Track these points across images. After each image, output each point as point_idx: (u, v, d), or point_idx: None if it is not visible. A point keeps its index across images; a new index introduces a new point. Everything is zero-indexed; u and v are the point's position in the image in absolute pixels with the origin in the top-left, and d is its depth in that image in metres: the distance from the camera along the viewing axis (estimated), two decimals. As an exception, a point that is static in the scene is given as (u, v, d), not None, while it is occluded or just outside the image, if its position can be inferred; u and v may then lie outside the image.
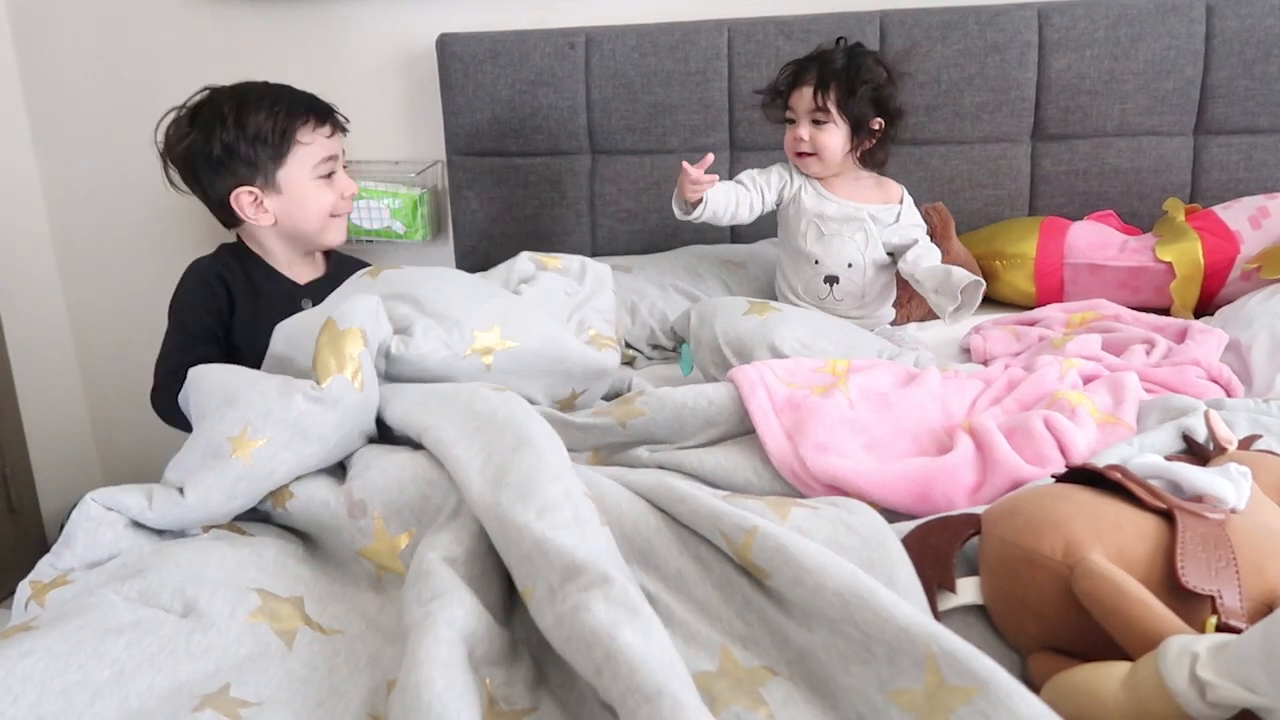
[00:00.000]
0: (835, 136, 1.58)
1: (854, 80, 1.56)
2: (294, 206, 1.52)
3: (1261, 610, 0.71)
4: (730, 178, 1.67)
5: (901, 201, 1.65)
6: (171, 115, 1.52)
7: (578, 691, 0.75)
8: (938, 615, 0.78)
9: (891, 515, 0.96)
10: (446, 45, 2.03)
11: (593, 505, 0.85)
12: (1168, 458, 0.98)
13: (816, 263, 1.63)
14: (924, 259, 1.57)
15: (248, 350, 1.49)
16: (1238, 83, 1.89)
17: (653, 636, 0.70)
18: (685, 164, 1.57)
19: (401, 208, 2.09)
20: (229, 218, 1.55)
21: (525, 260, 1.44)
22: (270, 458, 0.98)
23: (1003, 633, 0.79)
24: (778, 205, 1.67)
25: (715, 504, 0.85)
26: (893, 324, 1.71)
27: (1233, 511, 0.79)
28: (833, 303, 1.63)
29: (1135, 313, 1.58)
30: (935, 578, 0.80)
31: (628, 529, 0.87)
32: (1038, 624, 0.76)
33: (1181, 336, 1.43)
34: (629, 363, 1.65)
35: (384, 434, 1.12)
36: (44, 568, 0.94)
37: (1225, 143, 1.93)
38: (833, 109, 1.56)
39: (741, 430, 1.14)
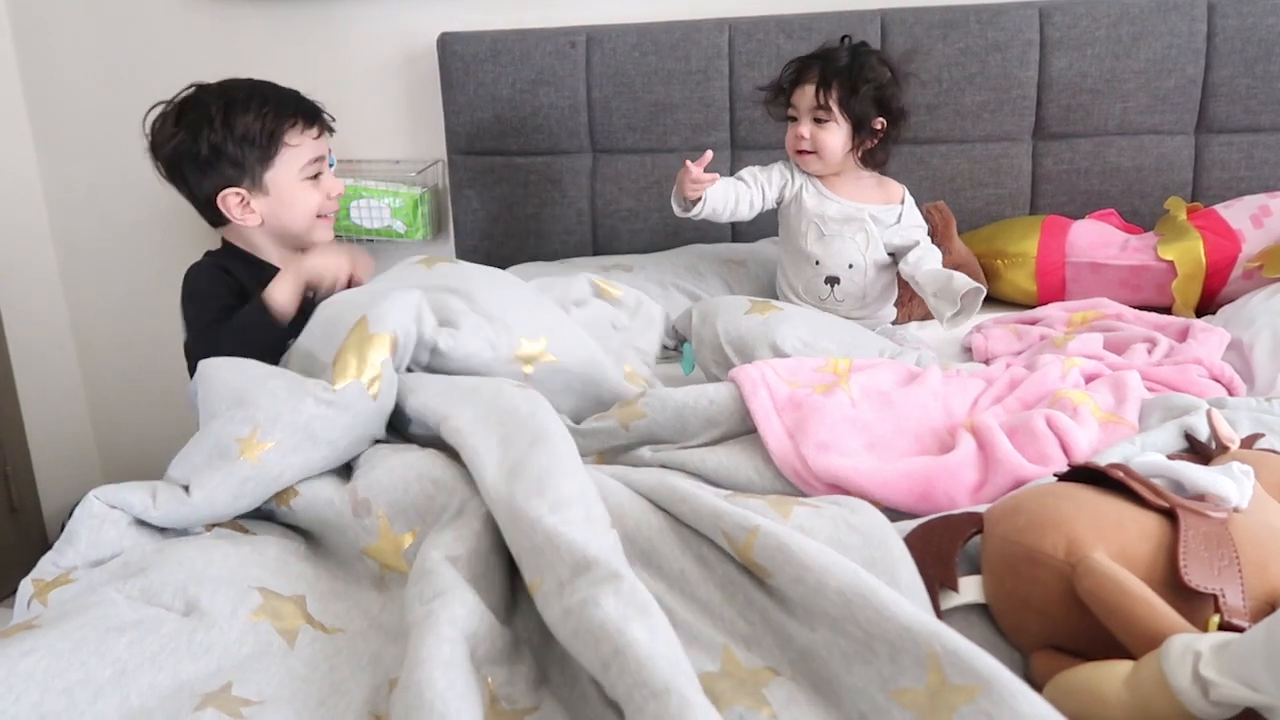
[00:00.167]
0: (836, 135, 1.58)
1: (857, 79, 1.55)
2: (281, 208, 1.50)
3: (1264, 609, 0.71)
4: (730, 177, 1.67)
5: (903, 202, 1.65)
6: (158, 110, 1.50)
7: (579, 690, 0.75)
8: (940, 614, 0.78)
9: (893, 514, 0.95)
10: (447, 44, 2.03)
11: (604, 508, 0.85)
12: (1170, 456, 0.98)
13: (817, 263, 1.63)
14: (925, 260, 1.57)
15: None
16: (1239, 81, 1.89)
17: (661, 634, 0.70)
18: (688, 162, 1.57)
19: (402, 207, 2.09)
20: (215, 216, 1.53)
21: (584, 282, 1.44)
22: (278, 461, 0.98)
23: (1005, 631, 0.79)
24: (778, 204, 1.67)
25: (717, 503, 0.85)
26: (894, 323, 1.71)
27: (1235, 510, 0.79)
28: (833, 303, 1.63)
29: (1137, 311, 1.58)
30: (937, 576, 0.80)
31: (630, 529, 0.87)
32: (1040, 623, 0.76)
33: (1183, 335, 1.43)
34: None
35: (396, 427, 1.11)
36: (46, 566, 0.94)
37: (1227, 141, 1.93)
38: (834, 107, 1.56)
39: (743, 429, 1.14)
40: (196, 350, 1.44)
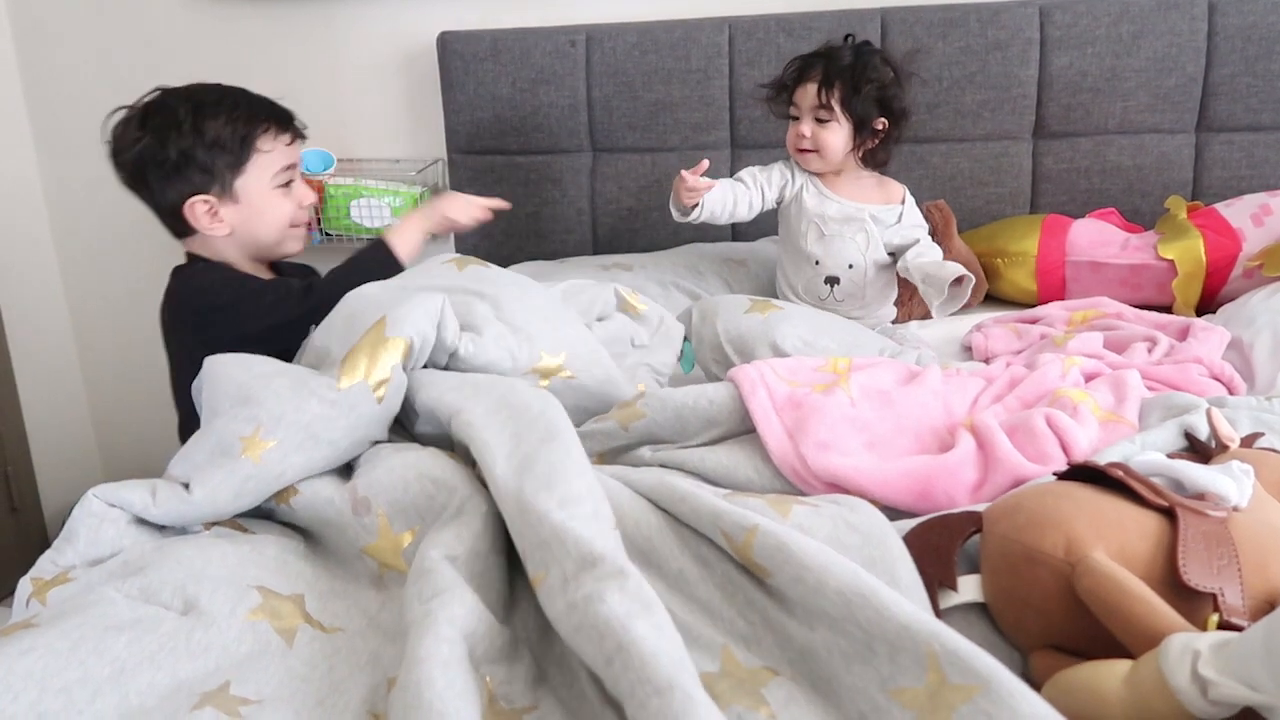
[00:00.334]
0: (837, 134, 1.58)
1: (859, 79, 1.55)
2: (252, 216, 1.44)
3: (1263, 608, 0.71)
4: (730, 176, 1.67)
5: (903, 202, 1.65)
6: (120, 114, 1.43)
7: (578, 689, 0.75)
8: (939, 613, 0.78)
9: (893, 513, 0.95)
10: (447, 43, 2.03)
11: (610, 508, 0.85)
12: (1170, 455, 0.97)
13: (817, 263, 1.63)
14: (924, 258, 1.57)
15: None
16: (1240, 80, 1.89)
17: (665, 631, 0.70)
18: (684, 172, 1.56)
19: (402, 206, 2.09)
20: (180, 226, 1.45)
21: (610, 293, 1.42)
22: (280, 460, 0.98)
23: (1004, 631, 0.79)
24: (778, 204, 1.67)
25: (716, 502, 0.85)
26: (894, 322, 1.71)
27: (1235, 509, 0.79)
28: (833, 303, 1.63)
29: (1137, 310, 1.58)
30: (937, 576, 0.80)
31: (629, 529, 0.87)
32: (1039, 622, 0.76)
33: (1183, 334, 1.43)
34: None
35: (404, 424, 1.11)
36: (45, 564, 0.94)
37: (1227, 140, 1.93)
38: (836, 107, 1.56)
39: (743, 429, 1.14)
40: (308, 312, 1.32)
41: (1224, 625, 0.69)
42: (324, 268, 2.33)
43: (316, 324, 1.20)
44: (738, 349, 1.37)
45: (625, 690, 0.66)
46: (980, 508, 0.89)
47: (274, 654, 0.83)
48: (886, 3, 1.97)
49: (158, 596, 0.86)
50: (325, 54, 2.18)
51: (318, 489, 1.00)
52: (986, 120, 1.96)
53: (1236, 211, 1.75)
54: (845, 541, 0.84)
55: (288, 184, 1.47)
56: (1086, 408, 1.12)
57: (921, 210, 1.70)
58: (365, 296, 1.16)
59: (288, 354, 1.18)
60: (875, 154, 1.62)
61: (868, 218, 1.61)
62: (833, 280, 1.62)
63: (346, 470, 1.05)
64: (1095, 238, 1.80)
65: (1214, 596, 0.71)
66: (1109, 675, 0.67)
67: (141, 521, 0.98)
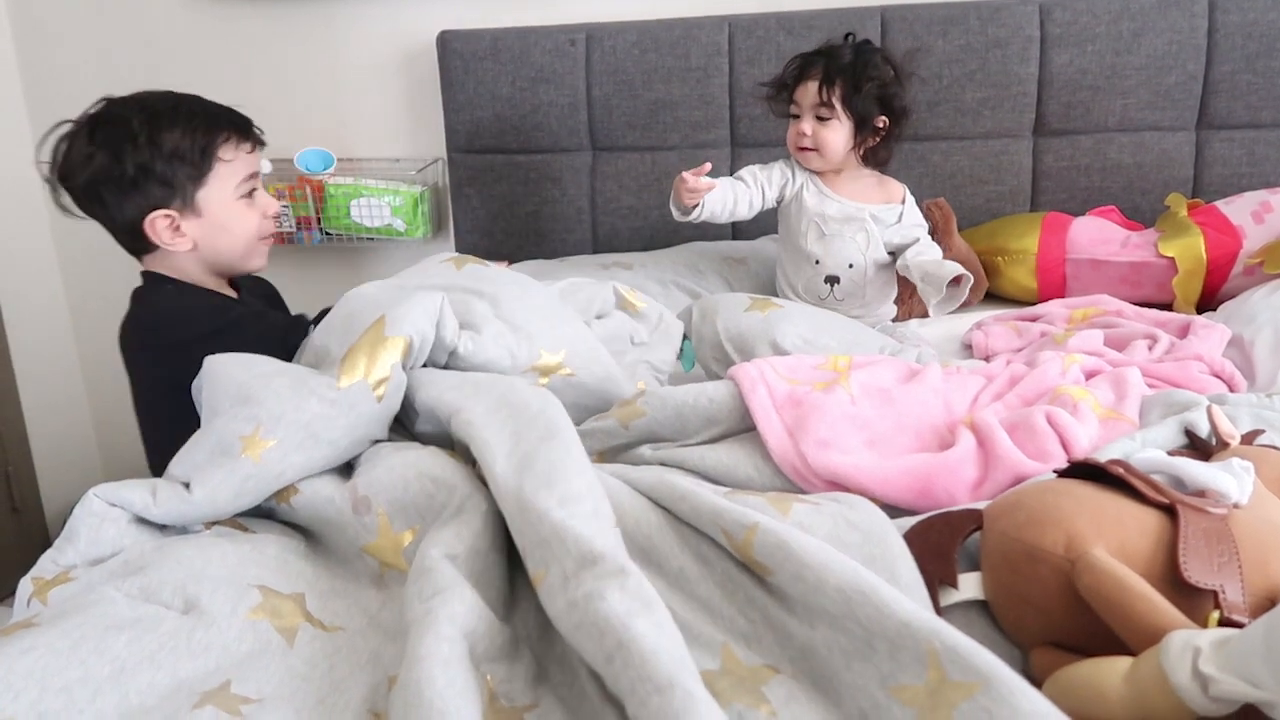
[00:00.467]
0: (838, 133, 1.58)
1: (860, 77, 1.55)
2: (215, 229, 1.37)
3: (1264, 605, 0.71)
4: (730, 175, 1.67)
5: (904, 201, 1.65)
6: (63, 129, 1.35)
7: (579, 687, 0.75)
8: (939, 611, 0.78)
9: (893, 511, 0.95)
10: (447, 42, 2.03)
11: (610, 507, 0.85)
12: (1170, 453, 0.97)
13: (817, 262, 1.63)
14: (923, 256, 1.57)
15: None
16: (1240, 77, 1.89)
17: (666, 629, 0.70)
18: (685, 174, 1.56)
19: (402, 205, 2.09)
20: (138, 244, 1.37)
21: (609, 291, 1.42)
22: (280, 459, 0.98)
23: (1005, 628, 0.79)
24: (778, 203, 1.67)
25: (716, 501, 0.85)
26: (894, 321, 1.71)
27: (1235, 506, 0.79)
28: (833, 302, 1.63)
29: (1137, 308, 1.58)
30: (937, 573, 0.80)
31: (629, 527, 0.87)
32: (1040, 619, 0.76)
33: (1184, 332, 1.43)
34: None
35: (404, 424, 1.11)
36: (46, 564, 0.93)
37: (1228, 137, 1.93)
38: (837, 105, 1.56)
39: (743, 427, 1.13)
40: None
41: (1225, 622, 0.69)
42: (324, 268, 2.34)
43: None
44: (738, 347, 1.37)
45: (626, 688, 0.66)
46: (981, 505, 0.89)
47: (275, 653, 0.83)
48: (886, 1, 1.97)
49: (158, 596, 0.86)
50: (325, 54, 2.19)
51: (318, 488, 1.00)
52: (987, 118, 1.96)
53: (1237, 209, 1.75)
54: (845, 539, 0.84)
55: (250, 194, 1.41)
56: (1087, 405, 1.12)
57: (922, 209, 1.70)
58: (364, 296, 1.16)
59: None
60: (876, 152, 1.62)
61: (868, 217, 1.61)
62: (833, 279, 1.62)
63: (347, 469, 1.05)
64: (1095, 235, 1.80)
65: (1215, 593, 0.71)
66: (1110, 672, 0.67)
67: (142, 521, 0.98)
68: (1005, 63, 1.92)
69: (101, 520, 0.95)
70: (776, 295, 1.69)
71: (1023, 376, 1.23)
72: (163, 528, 0.99)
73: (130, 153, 1.30)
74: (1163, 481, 0.82)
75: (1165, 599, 0.69)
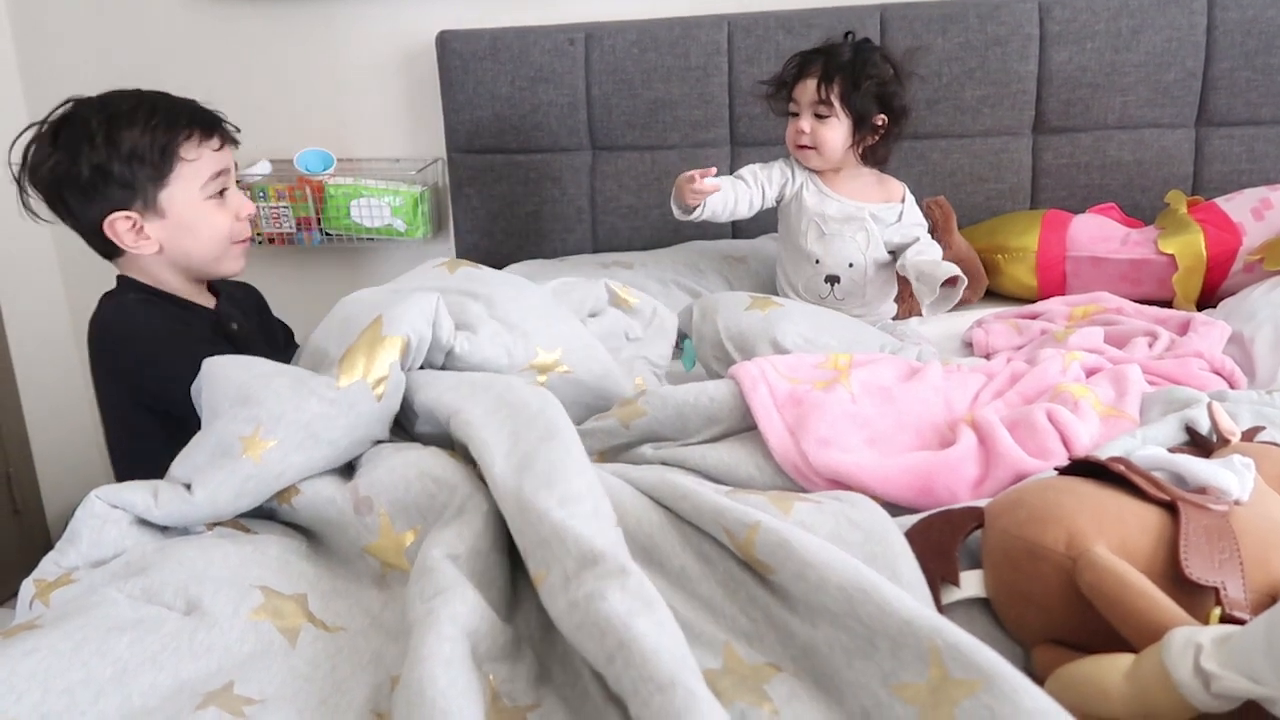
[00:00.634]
0: (837, 131, 1.58)
1: (859, 75, 1.55)
2: (181, 231, 1.32)
3: (1265, 601, 0.71)
4: (730, 174, 1.67)
5: (903, 200, 1.65)
6: (30, 133, 1.32)
7: (581, 687, 0.75)
8: (941, 609, 0.78)
9: (894, 509, 0.95)
10: (446, 42, 2.03)
11: (611, 506, 0.85)
12: (1171, 450, 0.97)
13: (817, 262, 1.63)
14: (922, 255, 1.57)
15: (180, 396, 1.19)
16: (1239, 74, 1.89)
17: (667, 629, 0.70)
18: (695, 174, 1.56)
19: (402, 205, 2.09)
20: (106, 246, 1.35)
21: (601, 289, 1.42)
22: (280, 459, 0.98)
23: (1006, 626, 0.79)
24: (778, 202, 1.67)
25: (717, 500, 0.85)
26: (894, 319, 1.71)
27: (1236, 503, 0.79)
28: (834, 301, 1.63)
29: (1138, 305, 1.58)
30: (938, 571, 0.80)
31: (630, 526, 0.87)
32: (1041, 617, 0.76)
33: (1184, 329, 1.43)
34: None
35: (403, 425, 1.11)
36: (48, 566, 0.93)
37: (1227, 134, 1.93)
38: (836, 103, 1.56)
39: (744, 426, 1.14)
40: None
41: (1226, 619, 0.69)
42: (324, 268, 2.34)
43: None
44: (739, 346, 1.37)
45: (628, 688, 0.66)
46: (982, 503, 0.89)
47: (277, 653, 0.83)
48: (885, -1, 1.97)
49: (160, 597, 0.86)
50: (325, 54, 2.19)
51: (319, 489, 1.00)
52: (986, 116, 1.96)
53: (1237, 206, 1.75)
54: (847, 538, 0.84)
55: (221, 193, 1.36)
56: (1087, 403, 1.12)
57: (921, 207, 1.70)
58: (359, 300, 1.16)
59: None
60: (875, 151, 1.62)
61: (868, 216, 1.61)
62: (833, 279, 1.62)
63: (348, 470, 1.05)
64: (1095, 233, 1.80)
65: (1216, 590, 0.71)
66: (1111, 669, 0.67)
67: (144, 522, 0.98)
68: (1005, 60, 1.92)
69: (103, 522, 0.95)
70: (777, 294, 1.69)
71: (1023, 374, 1.24)
72: (164, 529, 0.99)
73: (87, 154, 1.27)
74: (1164, 478, 0.82)
75: (1167, 596, 0.69)
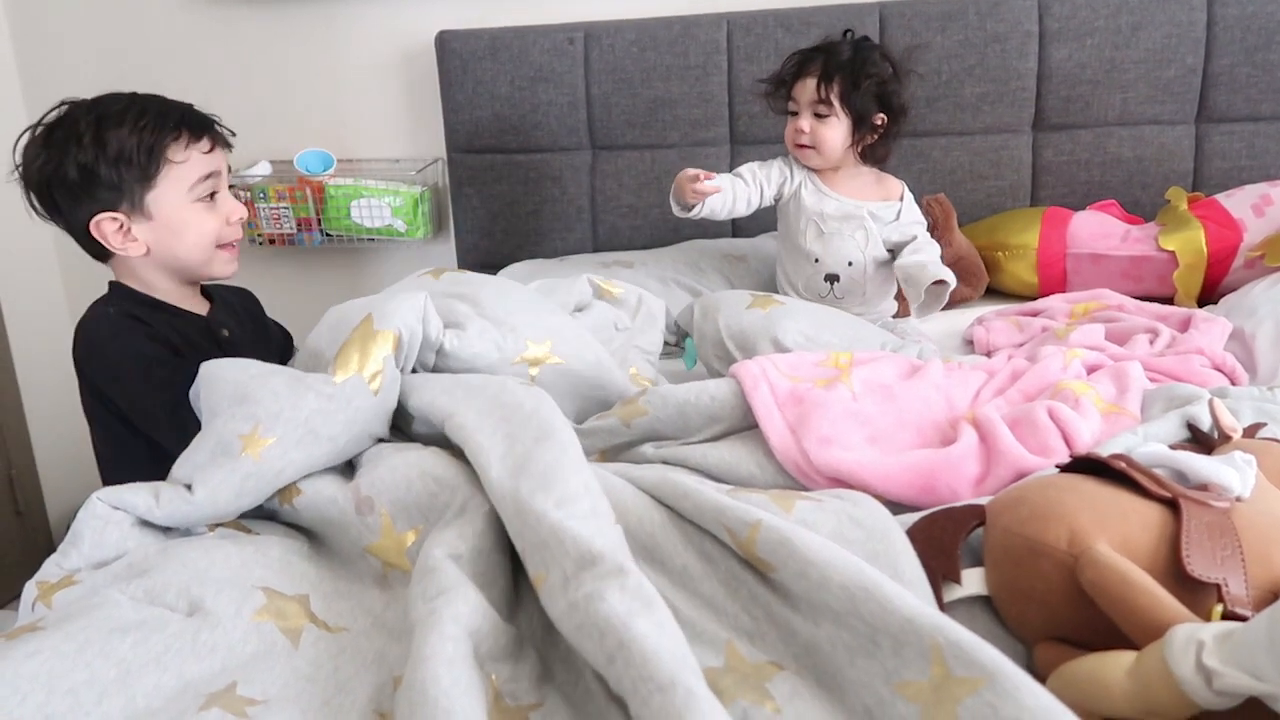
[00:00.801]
0: (836, 130, 1.57)
1: (858, 74, 1.55)
2: (168, 234, 1.31)
3: (1267, 598, 0.71)
4: (730, 172, 1.67)
5: (902, 198, 1.64)
6: (27, 135, 1.31)
7: (583, 687, 0.76)
8: (943, 607, 0.78)
9: (896, 507, 0.95)
10: (446, 42, 2.03)
11: (609, 504, 0.85)
12: (1172, 446, 0.97)
13: (816, 261, 1.63)
14: (919, 254, 1.57)
15: (166, 412, 1.21)
16: (1239, 70, 1.89)
17: (666, 628, 0.70)
18: (699, 173, 1.56)
19: (402, 206, 2.09)
20: (96, 248, 1.34)
21: (584, 283, 1.43)
22: (280, 457, 0.98)
23: (1008, 623, 0.79)
24: (776, 201, 1.67)
25: (719, 499, 0.85)
26: (895, 317, 1.71)
27: (1238, 499, 0.79)
28: (834, 300, 1.63)
29: (1138, 302, 1.58)
30: (940, 569, 0.80)
31: (632, 525, 0.87)
32: (1043, 614, 0.76)
33: (1185, 325, 1.43)
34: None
35: (401, 428, 1.12)
36: (50, 568, 0.94)
37: (1228, 130, 1.93)
38: (835, 101, 1.56)
39: (745, 425, 1.14)
40: (156, 423, 1.22)
41: (1228, 615, 0.69)
42: (325, 269, 2.34)
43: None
44: (739, 345, 1.37)
45: (628, 688, 0.66)
46: (983, 501, 0.89)
47: (280, 654, 0.83)
48: (885, -3, 1.97)
49: (163, 598, 0.86)
50: (325, 54, 2.19)
51: (320, 488, 1.00)
52: (986, 113, 1.96)
53: (1237, 202, 1.75)
54: (849, 536, 0.84)
55: (211, 196, 1.34)
56: (1088, 400, 1.12)
57: (921, 205, 1.70)
58: (349, 305, 1.16)
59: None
60: (874, 150, 1.62)
61: (866, 215, 1.61)
62: (832, 278, 1.62)
63: (349, 470, 1.05)
64: (1096, 230, 1.80)
65: (1218, 587, 0.71)
66: (1113, 667, 0.67)
67: (146, 524, 0.98)
68: (1004, 58, 1.92)
69: (105, 523, 0.95)
70: (777, 293, 1.69)
71: (1024, 371, 1.24)
72: (166, 530, 0.99)
73: (74, 155, 1.26)
74: (1165, 475, 0.82)
75: (1168, 593, 0.69)
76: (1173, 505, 0.77)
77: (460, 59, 2.02)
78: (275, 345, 1.50)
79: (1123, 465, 0.81)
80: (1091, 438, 1.06)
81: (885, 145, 1.62)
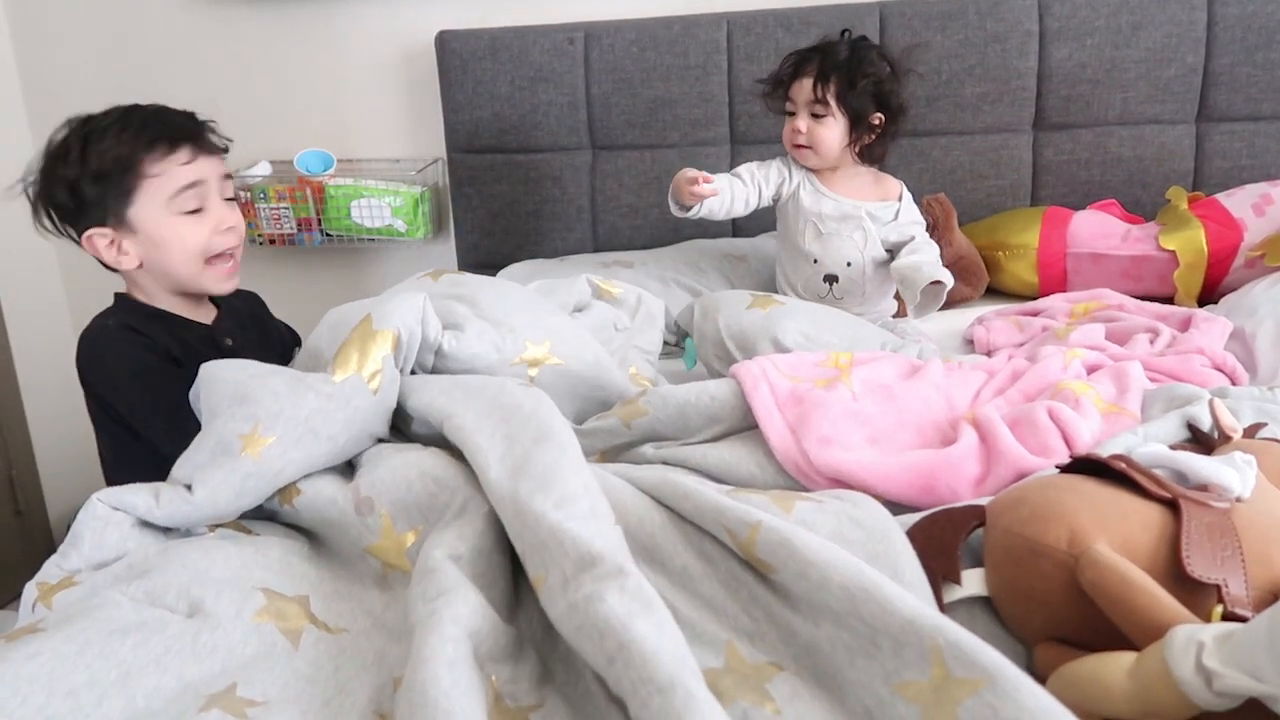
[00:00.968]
0: (833, 130, 1.57)
1: (855, 73, 1.55)
2: (153, 248, 1.29)
3: (1267, 598, 0.71)
4: (729, 171, 1.67)
5: (900, 198, 1.64)
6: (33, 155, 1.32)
7: (583, 687, 0.76)
8: (943, 607, 0.78)
9: (896, 508, 0.95)
10: (446, 42, 2.03)
11: (608, 504, 0.85)
12: (1172, 447, 0.97)
13: (815, 261, 1.63)
14: (917, 254, 1.57)
15: (168, 424, 1.21)
16: (1240, 69, 1.89)
17: (666, 629, 0.70)
18: (697, 175, 1.56)
19: (403, 206, 2.09)
20: (99, 261, 1.34)
21: (583, 283, 1.43)
22: (280, 456, 0.98)
23: (1008, 624, 0.79)
24: (775, 201, 1.67)
25: (719, 499, 0.85)
26: (895, 317, 1.71)
27: (1238, 500, 0.79)
28: (833, 300, 1.63)
29: (1139, 302, 1.58)
30: (940, 570, 0.80)
31: (632, 525, 0.87)
32: (1043, 615, 0.76)
33: (1185, 325, 1.43)
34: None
35: (400, 428, 1.12)
36: (50, 569, 0.94)
37: (1228, 130, 1.93)
38: (832, 102, 1.56)
39: (745, 425, 1.14)
40: (159, 435, 1.22)
41: (1228, 616, 0.69)
42: (325, 269, 2.34)
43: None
44: (740, 345, 1.37)
45: (628, 689, 0.66)
46: (983, 501, 0.89)
47: (280, 655, 0.83)
48: (885, -4, 1.97)
49: (163, 599, 0.86)
50: (325, 54, 2.19)
51: (320, 489, 1.00)
52: (986, 113, 1.96)
53: (1238, 201, 1.75)
54: (849, 537, 0.84)
55: (197, 210, 1.30)
56: (1088, 400, 1.12)
57: (921, 204, 1.70)
58: (348, 306, 1.17)
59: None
60: (872, 150, 1.62)
61: (865, 215, 1.61)
62: (831, 278, 1.62)
63: (349, 470, 1.05)
64: (1096, 229, 1.80)
65: (1218, 588, 0.71)
66: (1113, 667, 0.67)
67: (146, 524, 0.98)
68: (1004, 57, 1.92)
69: (105, 524, 0.95)
70: (777, 293, 1.70)
71: (1024, 371, 1.23)
72: (166, 531, 0.99)
73: (63, 171, 1.26)
74: (1165, 476, 0.82)
75: (1168, 594, 0.69)
76: (1173, 506, 0.77)
77: (460, 59, 2.02)
78: (279, 349, 1.51)
79: (1123, 466, 0.81)
80: (1091, 438, 1.06)
81: (883, 145, 1.62)
